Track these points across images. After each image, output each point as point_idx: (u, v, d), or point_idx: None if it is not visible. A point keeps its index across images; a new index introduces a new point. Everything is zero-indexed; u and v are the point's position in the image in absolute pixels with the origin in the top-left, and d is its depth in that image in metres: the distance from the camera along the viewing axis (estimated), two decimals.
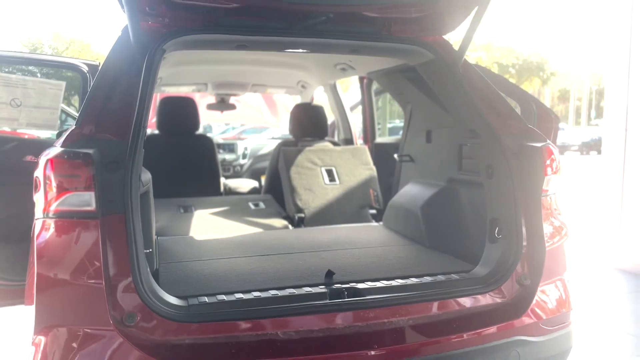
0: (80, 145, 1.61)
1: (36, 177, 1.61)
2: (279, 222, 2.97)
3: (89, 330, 1.52)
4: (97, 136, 1.65)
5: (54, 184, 1.56)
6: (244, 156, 5.49)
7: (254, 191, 4.19)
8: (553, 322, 1.92)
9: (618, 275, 4.80)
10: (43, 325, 1.53)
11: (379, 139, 3.89)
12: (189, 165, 3.06)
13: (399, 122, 8.94)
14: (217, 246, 2.43)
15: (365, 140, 3.93)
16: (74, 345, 1.51)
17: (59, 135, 3.32)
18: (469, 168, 2.35)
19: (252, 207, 3.28)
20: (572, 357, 2.06)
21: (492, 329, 1.80)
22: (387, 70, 2.83)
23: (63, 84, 3.11)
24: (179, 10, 2.01)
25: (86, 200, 1.54)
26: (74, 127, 1.69)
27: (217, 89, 4.18)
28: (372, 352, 1.63)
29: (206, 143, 3.66)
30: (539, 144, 1.98)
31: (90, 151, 1.57)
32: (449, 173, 2.50)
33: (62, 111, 3.23)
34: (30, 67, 3.42)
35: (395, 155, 3.02)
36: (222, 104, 4.48)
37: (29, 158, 2.98)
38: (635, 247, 4.85)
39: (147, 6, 1.94)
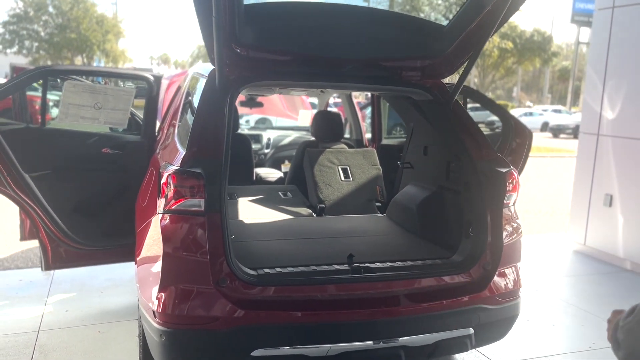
0: (191, 164, 2.37)
1: (162, 184, 2.38)
2: (304, 210, 3.77)
3: (197, 288, 2.33)
4: (201, 157, 2.41)
5: (175, 191, 2.33)
6: (267, 146, 6.28)
7: (279, 181, 4.98)
8: (505, 296, 2.73)
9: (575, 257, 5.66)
10: (167, 284, 2.33)
11: (384, 141, 4.67)
12: (231, 160, 3.86)
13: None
14: (263, 229, 3.24)
15: (373, 141, 4.71)
16: (188, 296, 2.31)
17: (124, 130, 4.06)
18: (454, 179, 3.13)
19: (282, 196, 4.07)
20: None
21: (462, 299, 2.61)
22: (396, 95, 3.58)
23: (134, 90, 3.84)
24: (248, 62, 2.77)
25: (198, 203, 2.31)
26: (184, 151, 2.45)
27: (249, 91, 4.91)
28: (379, 310, 2.45)
29: (244, 140, 4.44)
30: (504, 170, 2.76)
31: (200, 170, 2.33)
32: (439, 181, 3.27)
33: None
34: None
35: (399, 162, 3.80)
36: (252, 102, 5.25)
37: (105, 150, 3.75)
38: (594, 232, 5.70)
39: (227, 59, 2.69)
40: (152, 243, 2.47)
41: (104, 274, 4.63)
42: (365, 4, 3.06)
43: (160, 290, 2.34)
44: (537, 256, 5.70)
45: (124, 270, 4.58)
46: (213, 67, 2.68)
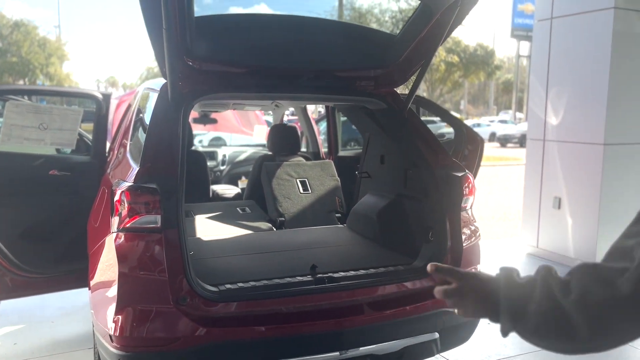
0: (145, 180, 2.29)
1: (115, 202, 2.29)
2: (264, 225, 3.72)
3: (156, 308, 2.24)
4: (155, 173, 2.33)
5: (129, 209, 2.24)
6: (223, 163, 6.19)
7: (237, 197, 4.91)
8: None
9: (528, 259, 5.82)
10: (124, 305, 2.23)
11: (341, 153, 4.70)
12: (186, 177, 3.81)
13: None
14: (223, 245, 3.16)
15: (330, 153, 4.73)
16: (147, 317, 2.22)
17: (73, 152, 3.92)
18: (412, 187, 3.16)
19: (240, 211, 4.01)
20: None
21: (426, 304, 2.62)
22: (350, 105, 3.61)
23: (81, 110, 3.71)
24: (201, 74, 2.72)
25: (154, 220, 2.24)
26: (138, 167, 2.37)
27: (203, 107, 4.84)
28: (344, 319, 2.43)
29: (199, 157, 4.36)
30: (460, 174, 2.81)
31: (155, 185, 2.26)
32: (397, 189, 3.30)
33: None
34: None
35: (357, 173, 3.82)
36: (205, 118, 5.17)
37: (52, 172, 3.59)
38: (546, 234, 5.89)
39: (180, 73, 2.64)
40: (107, 264, 2.37)
41: (54, 302, 4.41)
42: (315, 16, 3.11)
43: (116, 313, 2.23)
44: (493, 260, 5.82)
45: (77, 297, 4.37)
46: (164, 81, 2.62)
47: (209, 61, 2.70)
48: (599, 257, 5.32)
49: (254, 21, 2.78)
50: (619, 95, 5.19)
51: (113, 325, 2.24)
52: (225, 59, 2.73)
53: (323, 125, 5.17)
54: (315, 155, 4.79)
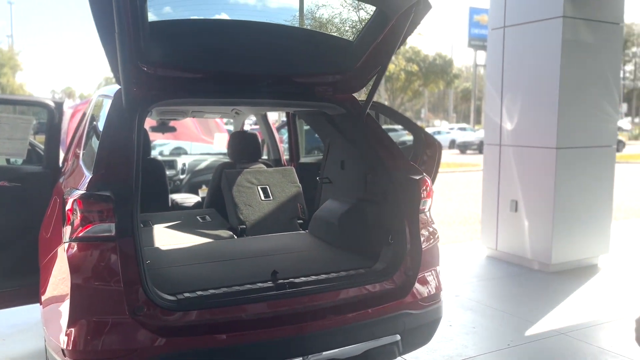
0: (98, 187, 2.23)
1: (67, 211, 2.22)
2: (225, 233, 3.68)
3: (111, 319, 2.17)
4: (109, 180, 2.27)
5: (81, 217, 2.17)
6: (183, 172, 6.09)
7: (197, 205, 4.83)
8: (428, 300, 2.79)
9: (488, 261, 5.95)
10: (77, 318, 2.15)
11: (302, 159, 4.70)
12: (144, 186, 3.74)
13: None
14: (182, 254, 3.10)
15: (291, 160, 4.73)
16: (101, 329, 2.15)
17: (24, 162, 3.80)
18: (372, 191, 3.19)
19: (200, 220, 3.95)
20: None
21: (387, 306, 2.63)
22: (310, 112, 3.62)
23: (32, 118, 3.59)
24: (156, 80, 2.68)
25: (107, 228, 2.17)
26: (91, 175, 2.31)
27: (161, 115, 4.76)
28: (306, 324, 2.41)
29: (157, 166, 4.28)
30: (417, 177, 2.85)
31: (108, 193, 2.20)
32: (358, 194, 3.32)
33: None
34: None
35: (318, 178, 3.82)
36: (164, 127, 5.09)
37: (1, 183, 3.46)
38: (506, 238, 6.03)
39: (134, 78, 2.59)
40: (59, 276, 2.28)
41: (6, 319, 4.22)
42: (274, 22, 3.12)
43: (69, 326, 2.16)
44: (454, 264, 5.92)
45: (29, 313, 4.19)
46: (119, 87, 2.57)
47: (164, 66, 2.66)
48: (554, 257, 5.49)
49: (210, 26, 2.76)
50: (569, 100, 5.39)
51: (65, 339, 2.16)
52: (180, 64, 2.70)
53: (286, 135, 5.17)
54: (276, 162, 4.78)
